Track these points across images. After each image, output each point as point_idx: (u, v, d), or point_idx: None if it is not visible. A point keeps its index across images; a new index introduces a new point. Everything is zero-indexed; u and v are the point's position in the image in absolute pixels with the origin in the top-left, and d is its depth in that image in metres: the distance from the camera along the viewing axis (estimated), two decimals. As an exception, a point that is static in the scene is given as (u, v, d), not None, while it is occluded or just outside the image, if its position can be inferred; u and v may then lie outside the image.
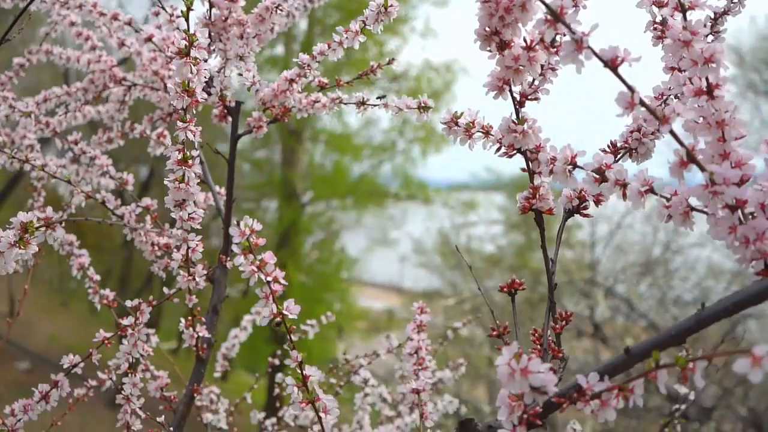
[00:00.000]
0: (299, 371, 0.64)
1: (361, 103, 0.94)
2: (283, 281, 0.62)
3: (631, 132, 0.68)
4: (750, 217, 0.51)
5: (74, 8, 1.13)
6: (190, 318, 0.95)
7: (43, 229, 0.68)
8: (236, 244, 0.61)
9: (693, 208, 0.54)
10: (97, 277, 1.10)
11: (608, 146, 0.69)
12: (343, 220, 12.30)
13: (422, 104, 0.83)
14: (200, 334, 0.96)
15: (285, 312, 0.63)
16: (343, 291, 10.87)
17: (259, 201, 11.51)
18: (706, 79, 0.53)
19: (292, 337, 0.64)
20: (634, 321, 6.44)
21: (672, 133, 0.51)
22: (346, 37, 0.89)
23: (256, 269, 0.61)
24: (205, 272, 0.90)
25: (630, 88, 0.50)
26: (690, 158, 0.51)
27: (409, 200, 11.85)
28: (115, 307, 1.04)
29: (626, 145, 0.68)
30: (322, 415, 0.64)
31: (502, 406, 0.53)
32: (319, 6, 1.11)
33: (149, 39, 1.04)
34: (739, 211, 0.52)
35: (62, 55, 1.25)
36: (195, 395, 0.97)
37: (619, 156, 0.69)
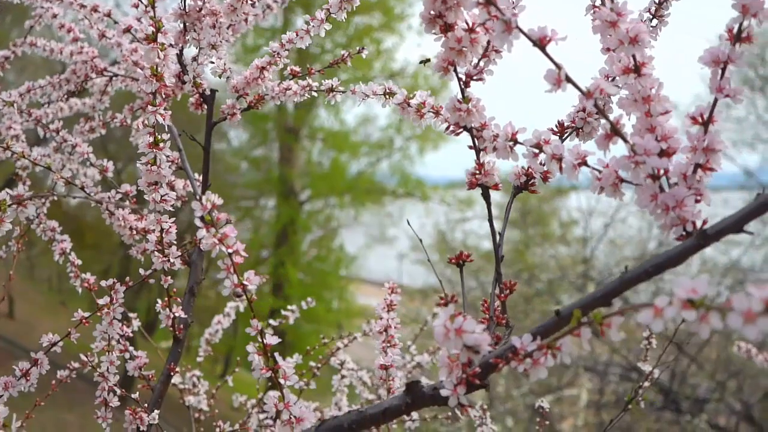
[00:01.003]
0: (260, 339, 0.68)
1: (330, 90, 0.98)
2: (243, 254, 0.65)
3: (577, 112, 0.71)
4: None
5: (56, 0, 1.16)
6: (166, 299, 0.98)
7: (14, 206, 0.71)
8: (198, 218, 0.64)
9: (622, 180, 0.57)
10: (79, 262, 1.13)
11: (555, 125, 0.72)
12: (341, 218, 12.33)
13: (387, 91, 0.86)
14: (176, 315, 0.99)
15: (245, 283, 0.66)
16: (342, 288, 10.91)
17: (258, 199, 11.55)
18: (633, 57, 0.56)
19: (252, 307, 0.67)
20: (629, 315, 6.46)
21: (597, 107, 0.54)
22: (313, 26, 0.92)
23: (217, 242, 0.65)
24: (179, 253, 0.93)
25: (557, 65, 0.53)
26: (614, 131, 0.54)
27: (407, 197, 11.88)
28: (95, 291, 1.08)
29: (572, 125, 0.72)
30: (282, 381, 0.67)
31: (442, 366, 0.57)
32: (316, 5, 1.14)
33: (128, 30, 1.08)
34: (664, 180, 0.55)
35: (46, 47, 1.29)
36: (172, 374, 1.01)
37: (566, 135, 0.72)
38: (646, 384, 1.07)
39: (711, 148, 0.54)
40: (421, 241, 1.02)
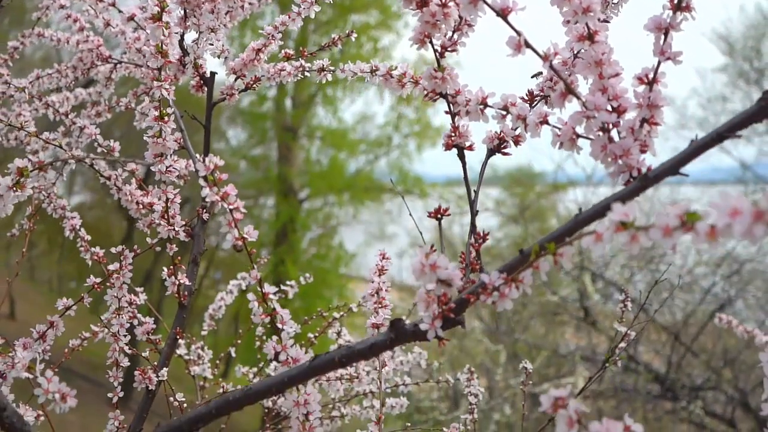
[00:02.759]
0: (260, 288, 0.75)
1: (321, 69, 1.05)
2: (243, 210, 0.73)
3: (545, 81, 0.78)
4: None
5: (62, -9, 1.23)
6: (171, 267, 1.05)
7: (36, 171, 0.78)
8: (202, 177, 0.71)
9: (578, 135, 0.65)
10: (88, 237, 1.20)
11: (526, 94, 0.79)
12: (340, 216, 12.40)
13: (374, 68, 0.93)
14: (181, 282, 1.07)
15: (245, 236, 0.73)
16: (342, 286, 10.97)
17: (257, 198, 11.61)
18: (587, 26, 0.64)
19: (252, 258, 0.74)
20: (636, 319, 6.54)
21: (552, 68, 0.61)
22: (303, 7, 0.99)
23: (219, 199, 0.72)
24: (183, 222, 1.01)
25: (517, 32, 0.61)
26: (568, 90, 0.62)
27: (406, 195, 11.94)
28: (104, 262, 1.15)
29: (542, 93, 0.79)
30: (279, 325, 0.75)
31: (419, 302, 0.64)
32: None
33: (131, 18, 1.15)
34: (615, 134, 0.63)
35: (53, 37, 1.36)
36: (178, 337, 1.08)
37: (535, 102, 0.79)
38: (622, 344, 1.14)
39: (655, 104, 0.62)
40: (421, 233, 1.08)
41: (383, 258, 1.09)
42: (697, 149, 0.57)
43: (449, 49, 0.72)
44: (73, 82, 1.31)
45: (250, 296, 0.75)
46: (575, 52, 0.71)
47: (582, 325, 6.75)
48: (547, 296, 5.89)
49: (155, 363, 1.04)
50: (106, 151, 1.18)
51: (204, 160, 0.71)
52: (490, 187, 10.92)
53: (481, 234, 0.73)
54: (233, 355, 1.55)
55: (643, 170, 0.61)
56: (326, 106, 12.13)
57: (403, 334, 0.67)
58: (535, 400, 5.79)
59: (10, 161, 0.79)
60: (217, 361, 1.46)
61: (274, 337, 0.75)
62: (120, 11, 1.19)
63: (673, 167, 0.57)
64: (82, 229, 1.21)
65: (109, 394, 1.05)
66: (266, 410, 1.46)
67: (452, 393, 6.16)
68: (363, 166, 12.34)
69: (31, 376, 0.72)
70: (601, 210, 0.59)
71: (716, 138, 0.56)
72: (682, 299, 6.96)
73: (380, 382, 1.01)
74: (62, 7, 1.31)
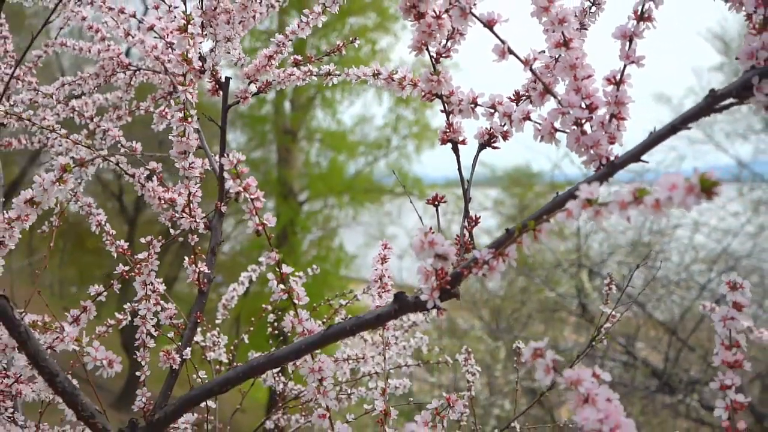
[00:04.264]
0: (278, 269, 0.85)
1: (328, 74, 1.15)
2: (262, 199, 0.82)
3: (530, 83, 0.88)
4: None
5: (86, 4, 1.33)
6: (192, 256, 1.15)
7: (78, 167, 0.88)
8: (226, 170, 0.81)
9: (556, 129, 0.74)
10: (113, 232, 1.30)
11: (513, 94, 0.89)
12: (340, 218, 12.49)
13: (376, 72, 1.03)
14: (201, 270, 1.16)
15: (265, 222, 0.83)
16: (343, 288, 11.05)
17: (257, 200, 11.70)
18: (563, 34, 0.73)
19: (270, 242, 0.84)
20: (622, 303, 6.64)
21: (532, 71, 0.71)
22: (311, 18, 1.09)
23: (242, 189, 0.81)
24: (204, 215, 1.10)
25: (502, 41, 0.70)
26: (546, 90, 0.71)
27: (405, 196, 12.03)
28: (128, 255, 1.24)
29: (526, 93, 0.88)
30: (296, 301, 0.84)
31: (420, 275, 0.73)
32: (309, 7, 1.31)
33: (151, 28, 1.24)
34: (586, 127, 0.72)
35: (75, 46, 1.45)
36: (198, 321, 1.17)
37: (521, 101, 0.89)
38: (608, 325, 1.23)
39: (621, 101, 0.71)
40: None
41: (385, 248, 1.19)
42: (655, 139, 0.66)
43: (444, 55, 0.81)
44: (95, 89, 1.41)
45: (270, 275, 0.85)
46: (556, 57, 0.81)
47: (581, 323, 6.85)
48: (546, 293, 5.99)
49: (177, 344, 1.13)
50: (129, 151, 1.27)
51: (228, 155, 0.81)
52: (490, 187, 11.03)
53: (473, 217, 0.82)
54: (246, 341, 1.64)
55: (612, 158, 0.70)
56: (325, 108, 12.23)
57: (406, 305, 0.77)
58: (533, 395, 5.88)
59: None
60: (232, 347, 1.55)
61: (291, 312, 0.85)
62: (140, 21, 1.28)
63: (636, 155, 0.67)
64: (108, 224, 1.31)
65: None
66: (277, 394, 1.56)
67: (453, 391, 6.25)
68: (362, 168, 12.43)
69: (78, 348, 0.81)
70: (573, 192, 0.69)
71: (671, 129, 0.66)
72: (679, 295, 7.05)
73: (384, 360, 1.11)
74: (84, 18, 1.40)
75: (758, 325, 1.91)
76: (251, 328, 1.64)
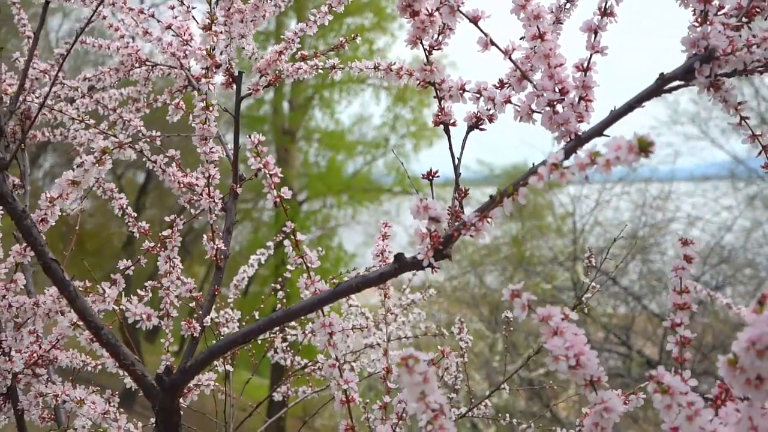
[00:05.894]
0: (293, 237, 0.96)
1: (332, 68, 1.26)
2: (280, 175, 0.94)
3: (511, 71, 1.00)
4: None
5: (108, 5, 1.44)
6: (210, 234, 1.27)
7: (117, 149, 0.99)
8: (248, 149, 0.93)
9: (533, 110, 0.86)
10: (134, 214, 1.42)
11: (498, 81, 1.01)
12: (339, 217, 12.61)
13: (376, 65, 1.15)
14: (218, 247, 1.28)
15: (282, 194, 0.95)
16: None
17: (256, 201, 11.82)
18: (538, 28, 0.85)
19: (287, 213, 0.96)
20: (617, 295, 6.78)
21: (511, 60, 0.83)
22: (318, 17, 1.21)
23: (262, 166, 0.93)
24: (221, 195, 1.22)
25: (485, 34, 0.82)
26: (523, 76, 0.83)
27: (404, 195, 12.16)
28: (149, 235, 1.36)
29: (509, 81, 1.00)
30: (309, 264, 0.96)
31: (416, 237, 0.85)
32: (309, 4, 1.42)
33: (169, 27, 1.36)
34: (559, 108, 0.84)
35: (95, 44, 1.57)
36: (216, 293, 1.29)
37: (505, 88, 1.00)
38: (588, 295, 1.35)
39: (588, 86, 0.83)
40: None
41: (385, 226, 1.31)
42: (615, 116, 0.78)
43: (435, 47, 0.93)
44: (116, 83, 1.53)
45: (286, 242, 0.97)
46: (533, 48, 0.92)
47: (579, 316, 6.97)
48: (542, 285, 6.11)
49: (196, 314, 1.25)
50: (149, 139, 1.39)
51: (249, 137, 0.93)
52: (488, 185, 11.15)
53: (463, 189, 0.94)
54: (257, 318, 1.75)
55: (579, 134, 0.82)
56: (323, 108, 12.35)
57: (405, 264, 0.89)
58: (530, 391, 6.00)
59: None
60: (244, 322, 1.67)
61: (304, 275, 0.97)
62: (159, 21, 1.40)
63: (598, 131, 0.79)
64: (129, 207, 1.42)
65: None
66: (286, 369, 1.67)
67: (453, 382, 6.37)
68: (361, 168, 12.54)
69: (117, 308, 0.93)
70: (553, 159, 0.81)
71: (628, 108, 0.78)
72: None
73: (386, 327, 1.22)
74: (104, 18, 1.52)
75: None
76: (261, 306, 1.76)
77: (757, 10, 0.79)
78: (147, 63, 1.53)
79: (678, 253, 0.85)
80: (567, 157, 0.81)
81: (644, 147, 0.59)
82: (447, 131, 0.96)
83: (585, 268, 1.40)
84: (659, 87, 0.76)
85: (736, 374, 0.58)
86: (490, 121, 0.99)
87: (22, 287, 1.13)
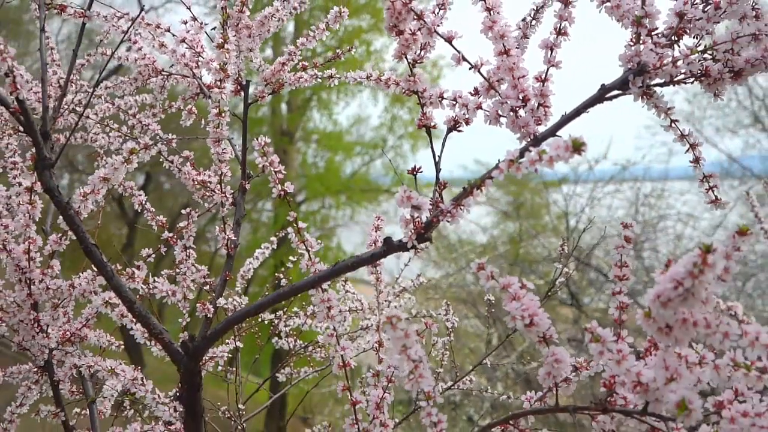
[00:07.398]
0: (295, 225, 1.12)
1: (331, 77, 1.42)
2: (283, 171, 1.10)
3: (482, 81, 1.15)
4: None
5: (127, 21, 1.60)
6: (222, 225, 1.42)
7: (143, 150, 1.15)
8: (256, 150, 1.08)
9: (500, 115, 1.02)
10: (153, 209, 1.57)
11: (473, 89, 1.16)
12: (338, 218, 12.75)
13: (368, 75, 1.30)
14: (229, 237, 1.43)
15: (286, 188, 1.10)
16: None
17: (255, 202, 11.96)
18: (503, 45, 1.01)
19: (290, 205, 1.11)
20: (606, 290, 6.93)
21: (480, 73, 0.98)
22: (317, 32, 1.37)
23: (268, 165, 1.09)
24: (232, 191, 1.37)
25: (458, 51, 0.98)
26: (490, 86, 0.99)
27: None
28: (167, 228, 1.52)
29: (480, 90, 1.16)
30: (310, 248, 1.12)
31: (401, 222, 1.01)
32: (304, 10, 1.58)
33: (183, 40, 1.52)
34: (521, 113, 1.00)
35: (114, 55, 1.72)
36: (227, 278, 1.45)
37: (478, 95, 1.16)
38: (561, 279, 1.50)
39: (545, 94, 0.99)
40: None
41: (378, 219, 1.46)
42: (564, 121, 0.94)
43: (418, 61, 1.09)
44: (134, 91, 1.68)
45: (289, 229, 1.12)
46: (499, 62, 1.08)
47: (573, 313, 7.15)
48: (535, 281, 6.27)
49: (210, 296, 1.40)
50: (165, 142, 1.54)
51: (256, 139, 1.08)
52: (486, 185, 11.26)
53: (443, 182, 1.10)
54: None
55: (537, 135, 0.98)
56: (321, 109, 12.49)
57: (392, 246, 1.04)
58: (525, 380, 6.16)
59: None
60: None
61: (306, 256, 1.12)
62: (174, 35, 1.55)
63: (552, 131, 0.95)
64: (148, 203, 1.58)
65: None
66: (288, 350, 1.83)
67: (454, 376, 6.53)
68: (359, 168, 12.69)
69: (145, 288, 1.08)
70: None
71: (576, 113, 0.93)
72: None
73: (378, 307, 1.38)
74: (124, 32, 1.67)
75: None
76: (267, 285, 1.91)
77: (685, 30, 0.95)
78: (162, 73, 1.68)
79: (621, 234, 1.01)
80: (523, 155, 0.96)
81: (577, 147, 0.75)
82: (429, 133, 1.12)
83: (574, 262, 1.56)
84: (601, 95, 0.92)
85: (650, 323, 0.74)
86: (467, 123, 1.14)
87: (58, 272, 1.28)
